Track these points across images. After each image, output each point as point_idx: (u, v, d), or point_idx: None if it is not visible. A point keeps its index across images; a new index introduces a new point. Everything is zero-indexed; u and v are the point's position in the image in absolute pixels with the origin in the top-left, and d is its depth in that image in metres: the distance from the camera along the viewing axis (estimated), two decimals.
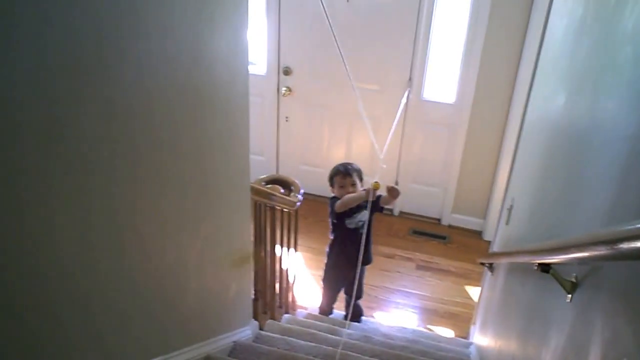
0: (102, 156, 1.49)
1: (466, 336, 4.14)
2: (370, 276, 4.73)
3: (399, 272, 4.96)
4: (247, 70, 2.31)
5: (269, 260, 3.54)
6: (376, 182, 3.39)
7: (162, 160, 1.81)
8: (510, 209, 3.14)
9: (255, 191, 3.05)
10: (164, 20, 1.65)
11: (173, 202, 1.94)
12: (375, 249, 5.01)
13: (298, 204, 3.66)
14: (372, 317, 4.42)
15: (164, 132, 1.79)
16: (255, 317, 3.33)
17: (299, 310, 4.26)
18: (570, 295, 1.48)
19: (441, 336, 4.20)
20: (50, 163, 1.31)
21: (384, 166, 4.30)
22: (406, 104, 5.11)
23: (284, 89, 5.49)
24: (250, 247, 2.91)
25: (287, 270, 3.92)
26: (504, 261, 2.70)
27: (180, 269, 2.14)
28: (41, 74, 1.22)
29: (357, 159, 5.61)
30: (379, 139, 5.36)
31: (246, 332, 3.01)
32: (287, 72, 5.44)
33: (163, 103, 1.74)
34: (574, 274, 1.48)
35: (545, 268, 1.55)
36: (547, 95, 2.64)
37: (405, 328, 4.20)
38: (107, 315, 1.71)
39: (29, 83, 1.19)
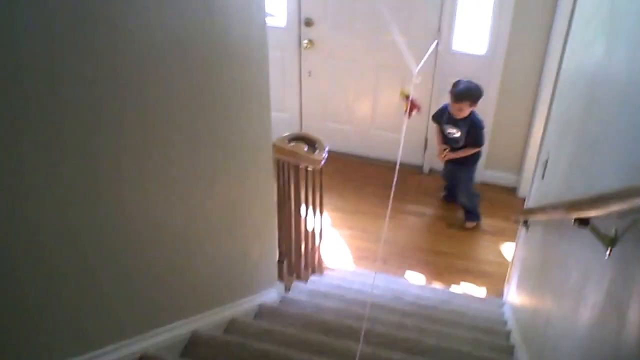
0: (110, 113, 1.48)
1: (500, 295, 4.14)
2: (401, 235, 4.74)
3: (430, 231, 4.95)
4: (264, 18, 2.28)
5: (293, 221, 3.55)
6: (406, 89, 3.85)
7: (173, 115, 1.80)
8: (545, 163, 3.10)
9: (277, 149, 3.04)
10: None
11: (187, 160, 1.94)
12: (405, 207, 5.03)
13: (323, 162, 3.65)
14: (403, 277, 4.43)
15: (175, 85, 1.77)
16: (282, 279, 3.36)
17: (326, 271, 4.29)
18: (609, 250, 1.46)
19: (474, 296, 4.21)
20: (54, 117, 1.30)
21: (418, 81, 4.54)
22: (435, 56, 5.03)
23: (306, 41, 5.43)
24: (273, 207, 2.91)
25: (312, 230, 3.94)
26: (539, 217, 2.67)
27: (199, 230, 2.15)
28: (45, 26, 1.22)
29: (385, 114, 5.59)
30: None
31: (272, 294, 3.05)
32: (308, 23, 5.37)
33: (175, 55, 1.73)
34: (614, 228, 1.46)
35: (583, 223, 1.53)
36: (586, 43, 2.57)
37: (436, 288, 4.21)
38: (124, 279, 1.73)
39: (31, 36, 1.18)
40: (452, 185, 5.11)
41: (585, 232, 1.58)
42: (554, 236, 2.47)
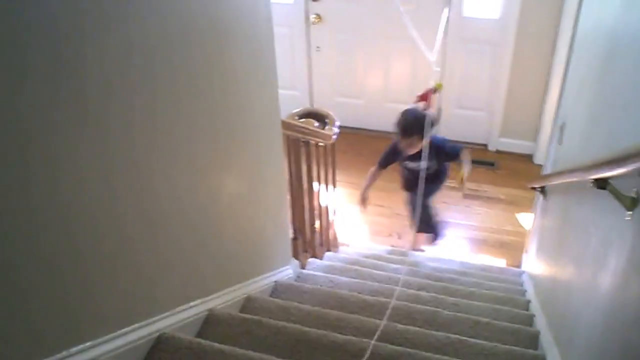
0: (121, 95, 1.47)
1: (519, 265, 4.11)
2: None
3: (446, 202, 4.92)
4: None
5: (306, 197, 3.53)
6: (438, 84, 3.39)
7: (180, 95, 1.78)
8: (562, 127, 3.05)
9: (287, 125, 3.01)
10: None
11: (195, 138, 1.92)
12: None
13: (334, 137, 3.62)
14: (421, 250, 4.41)
15: (181, 64, 1.75)
16: (297, 257, 3.35)
17: (341, 247, 4.28)
18: (630, 212, 1.43)
19: (492, 266, 4.18)
20: (66, 105, 1.30)
21: (437, 69, 4.21)
22: (446, 22, 4.95)
23: (313, 16, 5.38)
24: (284, 184, 2.89)
25: (326, 207, 3.92)
26: (557, 182, 2.63)
27: (213, 209, 2.14)
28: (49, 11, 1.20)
29: (397, 87, 5.54)
30: (419, 62, 5.26)
31: (287, 271, 3.04)
32: None
33: (179, 33, 1.70)
34: (635, 189, 1.42)
35: (602, 184, 1.50)
36: (601, 2, 2.52)
37: (453, 260, 4.19)
38: (137, 262, 1.73)
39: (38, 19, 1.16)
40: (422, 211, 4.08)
41: (605, 195, 1.55)
42: (573, 201, 2.43)
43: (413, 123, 3.53)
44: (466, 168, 3.80)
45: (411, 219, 4.23)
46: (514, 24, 4.82)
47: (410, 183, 4.01)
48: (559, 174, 2.41)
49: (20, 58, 1.16)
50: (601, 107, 2.17)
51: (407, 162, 3.89)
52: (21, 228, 1.26)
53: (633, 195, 1.42)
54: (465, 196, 4.96)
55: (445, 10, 4.84)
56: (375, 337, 2.11)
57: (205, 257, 2.13)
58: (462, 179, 3.81)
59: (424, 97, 3.98)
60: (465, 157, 3.81)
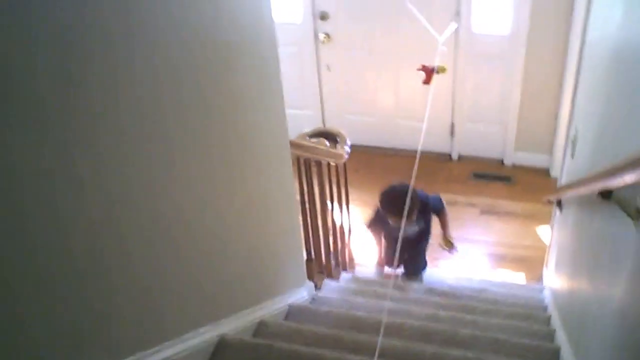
0: (128, 121, 1.49)
1: (539, 280, 4.07)
2: (433, 225, 4.68)
3: (463, 219, 4.89)
4: (272, 17, 2.27)
5: (320, 217, 3.54)
6: (441, 66, 3.26)
7: (187, 120, 1.80)
8: (574, 141, 3.03)
9: (297, 146, 3.02)
10: None
11: (204, 162, 1.94)
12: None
13: (346, 156, 3.63)
14: (437, 267, 4.39)
15: (186, 88, 1.77)
16: (311, 278, 3.34)
17: (357, 266, 4.26)
18: (635, 223, 1.41)
19: (512, 283, 4.14)
20: (75, 130, 1.32)
21: (444, 48, 4.10)
22: (455, 38, 4.97)
23: (322, 35, 5.41)
24: (295, 204, 2.89)
25: (340, 226, 3.91)
26: (567, 195, 2.62)
27: (222, 231, 2.15)
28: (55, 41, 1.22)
29: (408, 102, 5.54)
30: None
31: (301, 293, 3.03)
32: (323, 17, 5.35)
33: (184, 59, 1.73)
34: (638, 198, 1.41)
35: (606, 195, 1.49)
36: (606, 11, 2.51)
37: (472, 278, 4.16)
38: (142, 287, 1.73)
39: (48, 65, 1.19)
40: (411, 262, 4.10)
41: (613, 206, 1.54)
42: (585, 214, 2.41)
43: (407, 202, 3.08)
44: (448, 221, 3.90)
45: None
46: (524, 39, 4.82)
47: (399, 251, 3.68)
48: (569, 186, 2.41)
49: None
50: (607, 118, 2.17)
51: (394, 230, 3.68)
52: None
53: (638, 205, 1.41)
54: (482, 212, 4.93)
55: (453, 27, 4.83)
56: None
57: (215, 281, 2.14)
58: (448, 241, 3.90)
59: (426, 72, 3.89)
60: (445, 207, 3.87)
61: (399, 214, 3.34)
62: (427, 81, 3.74)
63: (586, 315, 2.20)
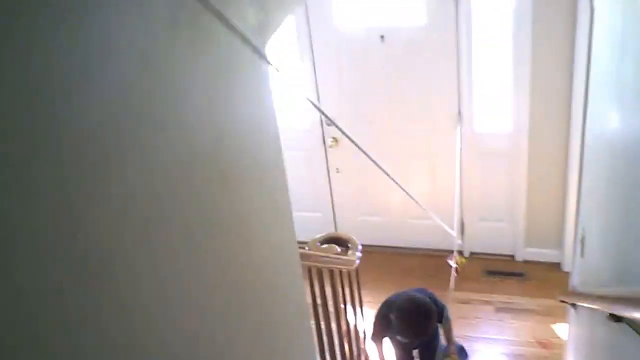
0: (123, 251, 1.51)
1: None
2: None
3: (478, 317, 4.84)
4: (278, 137, 2.34)
5: (335, 325, 3.52)
6: (461, 261, 3.32)
7: (194, 235, 1.82)
8: (582, 240, 3.04)
9: (307, 257, 3.05)
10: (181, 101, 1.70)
11: (210, 288, 1.95)
12: (449, 295, 4.92)
13: (357, 262, 3.64)
14: None
15: (188, 211, 1.81)
16: None
17: None
18: None
19: None
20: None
21: (460, 241, 4.20)
22: (459, 139, 5.07)
23: (330, 139, 5.53)
24: (307, 316, 2.88)
25: (355, 330, 3.88)
26: (578, 303, 2.61)
27: (239, 352, 2.13)
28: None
29: (415, 204, 5.59)
30: (439, 178, 5.34)
31: None
32: (329, 122, 5.49)
33: (186, 182, 1.77)
34: None
35: (616, 318, 1.49)
36: (601, 112, 2.58)
37: None
38: None
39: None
40: None
41: (624, 325, 1.54)
42: (598, 319, 2.39)
43: (430, 316, 3.21)
44: (452, 331, 3.80)
45: None
46: (525, 135, 4.89)
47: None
48: (578, 296, 2.40)
49: None
50: (611, 225, 2.19)
51: (401, 338, 3.55)
52: None
53: None
54: (498, 310, 4.88)
55: (458, 129, 4.95)
56: None
57: None
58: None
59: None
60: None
61: (420, 334, 3.29)
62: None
63: None
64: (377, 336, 3.67)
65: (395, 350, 3.85)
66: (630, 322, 1.47)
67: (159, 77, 1.57)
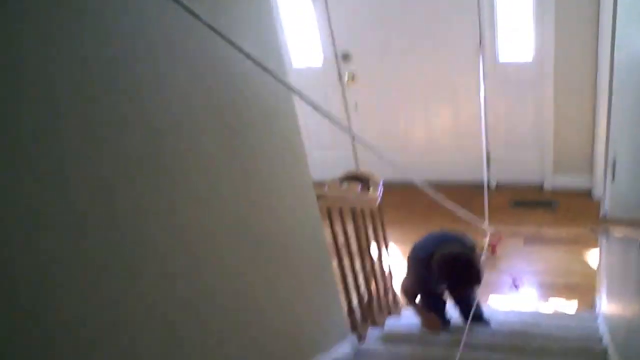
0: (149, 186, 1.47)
1: (592, 307, 3.88)
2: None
3: (506, 250, 4.74)
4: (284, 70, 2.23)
5: (359, 264, 3.44)
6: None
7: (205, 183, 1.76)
8: (614, 164, 2.89)
9: (329, 197, 2.94)
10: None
11: (229, 220, 1.89)
12: (475, 228, 4.81)
13: (379, 200, 3.56)
14: (486, 302, 4.23)
15: (200, 150, 1.73)
16: (355, 329, 3.24)
17: (403, 310, 4.13)
18: None
19: (563, 314, 3.97)
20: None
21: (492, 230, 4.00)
22: (482, 69, 4.88)
23: (347, 75, 5.37)
24: (327, 254, 2.79)
25: (381, 269, 3.81)
26: (610, 231, 2.48)
27: (258, 290, 2.07)
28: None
29: (440, 135, 5.45)
30: (462, 110, 5.18)
31: (343, 348, 2.92)
32: (346, 57, 5.31)
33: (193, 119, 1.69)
34: None
35: None
36: (632, 29, 2.41)
37: (522, 312, 4.00)
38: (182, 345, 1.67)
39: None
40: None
41: None
42: (633, 244, 2.27)
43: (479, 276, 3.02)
44: None
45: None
46: (551, 63, 4.71)
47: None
48: (613, 222, 2.27)
49: None
50: None
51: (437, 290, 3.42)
52: None
53: None
54: (526, 241, 4.77)
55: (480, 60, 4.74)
56: None
57: (251, 345, 2.04)
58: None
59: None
60: None
61: (468, 285, 3.11)
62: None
63: None
64: (411, 298, 3.45)
65: (425, 297, 3.55)
66: None
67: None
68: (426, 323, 3.35)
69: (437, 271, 3.01)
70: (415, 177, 2.49)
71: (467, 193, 5.07)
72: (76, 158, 1.24)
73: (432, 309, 3.50)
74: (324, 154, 5.53)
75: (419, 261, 3.21)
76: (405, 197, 5.27)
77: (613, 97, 3.05)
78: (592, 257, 4.34)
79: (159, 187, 1.54)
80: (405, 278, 3.42)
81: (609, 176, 3.09)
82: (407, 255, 3.41)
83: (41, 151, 1.15)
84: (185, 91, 1.65)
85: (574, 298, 4.15)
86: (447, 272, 3.01)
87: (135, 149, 1.44)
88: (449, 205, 2.90)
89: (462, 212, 2.97)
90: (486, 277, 3.89)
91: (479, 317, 3.57)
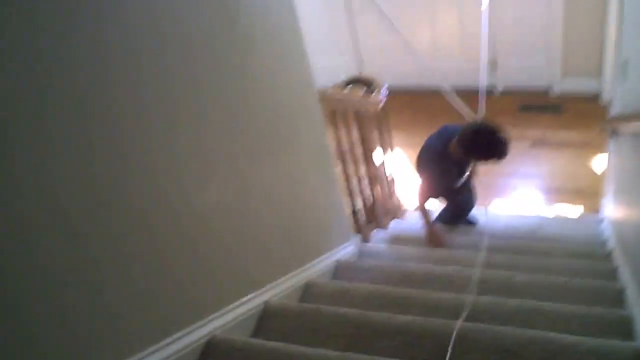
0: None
1: (598, 210, 3.87)
2: None
3: (513, 153, 4.68)
4: None
5: (362, 166, 3.41)
6: None
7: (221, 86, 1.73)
8: (625, 65, 2.81)
9: (330, 98, 2.87)
10: None
11: (235, 126, 1.86)
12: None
13: (382, 102, 3.50)
14: (490, 206, 4.23)
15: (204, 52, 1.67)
16: (359, 230, 3.24)
17: (407, 213, 4.13)
18: None
19: (568, 217, 3.97)
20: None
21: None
22: None
23: None
24: (330, 157, 2.75)
25: (385, 173, 3.79)
26: (624, 127, 2.42)
27: (258, 192, 2.05)
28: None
29: (446, 38, 5.32)
30: (468, 12, 5.02)
31: (348, 248, 2.92)
32: None
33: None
34: None
35: None
36: None
37: (526, 215, 3.99)
38: (189, 255, 1.67)
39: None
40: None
41: None
42: None
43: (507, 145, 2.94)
44: None
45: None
46: None
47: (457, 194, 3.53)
48: (623, 118, 2.20)
49: None
50: None
51: (457, 178, 3.34)
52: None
53: None
54: (533, 145, 4.72)
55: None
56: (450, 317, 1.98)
57: (253, 246, 2.04)
58: None
59: None
60: None
61: (498, 155, 2.93)
62: None
63: None
64: (431, 195, 3.34)
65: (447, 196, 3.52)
66: None
67: None
68: (430, 238, 3.30)
69: (464, 146, 2.95)
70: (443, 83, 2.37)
71: (474, 96, 4.98)
72: None
73: (457, 208, 3.58)
74: (327, 59, 5.41)
75: (437, 155, 3.16)
76: (408, 102, 5.21)
77: None
78: (599, 162, 4.30)
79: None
80: (422, 183, 3.28)
81: (620, 76, 3.01)
82: (416, 160, 3.35)
83: None
84: None
85: (580, 202, 4.14)
86: (475, 144, 2.94)
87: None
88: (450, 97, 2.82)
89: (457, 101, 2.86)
90: (491, 180, 3.89)
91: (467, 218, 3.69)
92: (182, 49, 1.59)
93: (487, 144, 2.92)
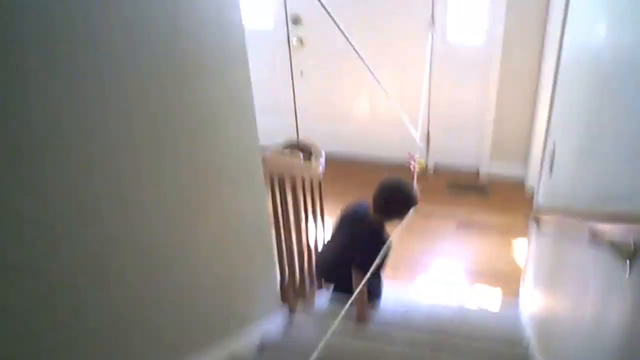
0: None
1: (516, 296, 3.97)
2: (409, 239, 4.54)
3: (439, 232, 4.82)
4: (242, 29, 2.17)
5: (295, 235, 3.41)
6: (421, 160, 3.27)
7: (157, 130, 1.72)
8: (552, 154, 2.95)
9: (272, 163, 2.88)
10: None
11: (174, 181, 1.85)
12: None
13: (321, 172, 3.53)
14: (414, 281, 4.28)
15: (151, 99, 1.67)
16: (286, 302, 3.21)
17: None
18: (628, 264, 1.32)
19: (487, 310, 4.01)
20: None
21: (421, 144, 4.08)
22: (431, 48, 4.91)
23: (295, 39, 5.31)
24: (267, 224, 2.76)
25: (316, 242, 3.81)
26: (550, 219, 2.53)
27: (189, 255, 2.03)
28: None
29: (384, 110, 5.46)
30: (407, 88, 5.19)
31: (274, 323, 2.89)
32: (296, 21, 5.25)
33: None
34: (632, 239, 1.31)
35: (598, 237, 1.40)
36: (585, 25, 2.44)
37: (448, 306, 4.01)
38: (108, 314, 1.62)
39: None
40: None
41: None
42: (567, 238, 2.32)
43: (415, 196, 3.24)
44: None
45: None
46: (499, 48, 4.80)
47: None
48: (550, 211, 2.31)
49: None
50: (589, 137, 2.09)
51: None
52: None
53: (631, 246, 1.31)
54: (459, 225, 4.86)
55: (430, 37, 4.77)
56: None
57: (177, 311, 2.00)
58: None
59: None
60: None
61: (407, 204, 3.23)
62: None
63: (568, 346, 2.12)
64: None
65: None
66: (612, 242, 1.38)
67: None
68: (365, 315, 3.27)
69: (378, 199, 3.21)
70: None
71: (407, 172, 5.09)
72: None
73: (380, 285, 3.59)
74: (265, 119, 5.43)
75: (365, 224, 3.32)
76: (342, 170, 5.29)
77: (557, 88, 3.10)
78: (521, 247, 4.45)
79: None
80: (361, 259, 3.18)
81: (547, 167, 3.16)
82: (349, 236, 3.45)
83: None
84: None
85: (499, 285, 4.24)
86: (387, 194, 3.22)
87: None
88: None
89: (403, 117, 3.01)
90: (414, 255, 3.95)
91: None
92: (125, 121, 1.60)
93: (397, 192, 3.25)
